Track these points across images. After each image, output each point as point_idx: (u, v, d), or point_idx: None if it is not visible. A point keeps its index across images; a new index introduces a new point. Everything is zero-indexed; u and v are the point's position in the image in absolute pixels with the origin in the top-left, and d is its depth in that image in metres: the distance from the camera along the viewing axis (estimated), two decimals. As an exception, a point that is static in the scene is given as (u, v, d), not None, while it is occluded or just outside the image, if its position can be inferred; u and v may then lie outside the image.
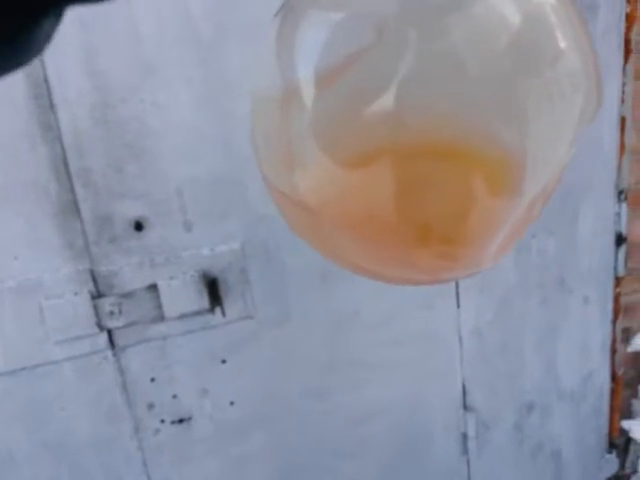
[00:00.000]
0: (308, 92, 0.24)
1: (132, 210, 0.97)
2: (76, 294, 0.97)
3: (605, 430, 1.50)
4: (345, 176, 0.23)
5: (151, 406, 1.08)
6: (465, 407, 1.32)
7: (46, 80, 0.89)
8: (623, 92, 1.20)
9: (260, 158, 0.30)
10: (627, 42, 1.16)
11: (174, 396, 1.09)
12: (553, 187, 0.27)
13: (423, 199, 0.23)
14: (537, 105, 0.22)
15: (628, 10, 1.15)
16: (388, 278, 0.27)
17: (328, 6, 0.24)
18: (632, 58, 1.18)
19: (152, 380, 1.07)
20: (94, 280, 0.98)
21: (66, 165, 0.93)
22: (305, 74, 0.24)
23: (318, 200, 0.24)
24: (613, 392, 1.47)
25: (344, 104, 0.23)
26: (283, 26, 0.25)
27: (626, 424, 1.51)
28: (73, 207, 0.95)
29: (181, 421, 1.10)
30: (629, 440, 1.52)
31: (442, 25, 0.21)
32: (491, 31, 0.21)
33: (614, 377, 1.45)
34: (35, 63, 0.87)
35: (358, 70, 0.22)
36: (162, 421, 1.09)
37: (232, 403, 1.12)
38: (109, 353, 1.03)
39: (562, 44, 0.22)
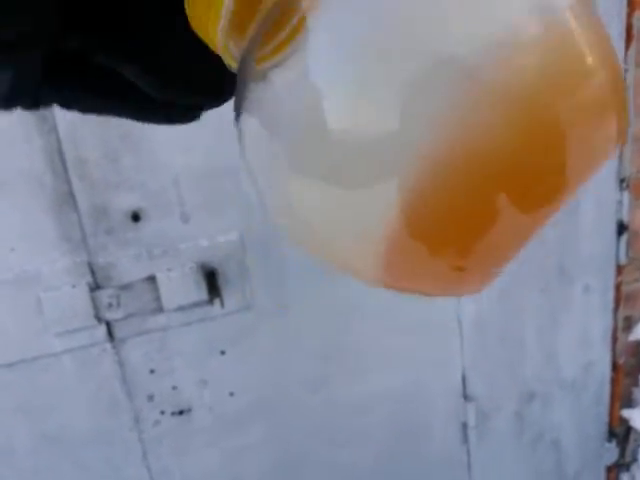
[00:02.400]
0: None
1: (129, 201, 0.96)
2: (74, 286, 0.97)
3: (605, 419, 1.50)
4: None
5: (151, 397, 1.08)
6: (465, 396, 1.32)
7: (40, 70, 0.88)
8: (625, 79, 1.19)
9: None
10: (629, 28, 1.14)
11: (174, 387, 1.09)
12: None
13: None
14: None
15: (630, -5, 1.13)
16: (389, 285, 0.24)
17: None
18: (634, 44, 1.16)
19: (151, 372, 1.06)
20: (92, 272, 0.98)
21: (62, 156, 0.92)
22: None
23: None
24: (614, 381, 1.47)
25: None
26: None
27: (626, 413, 1.51)
28: (69, 199, 0.94)
29: (181, 412, 1.10)
30: (629, 429, 1.52)
31: None
32: None
33: (615, 366, 1.45)
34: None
35: None
36: (162, 412, 1.09)
37: (231, 394, 1.12)
38: (108, 345, 1.02)
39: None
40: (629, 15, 1.14)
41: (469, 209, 0.17)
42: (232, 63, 0.19)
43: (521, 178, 0.16)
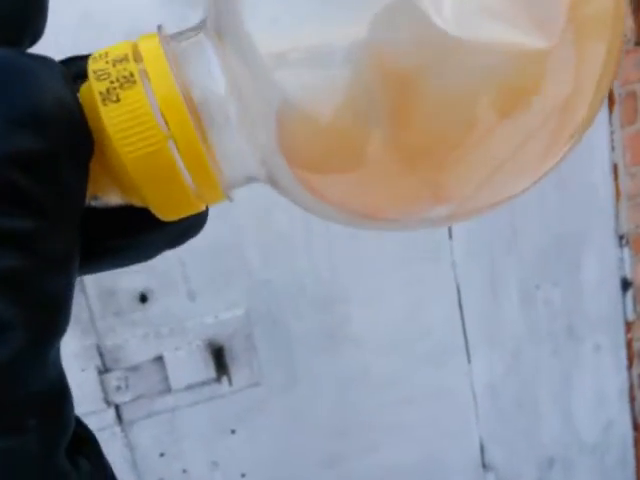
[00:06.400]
0: None
1: (136, 282, 0.98)
2: (83, 370, 0.97)
3: (633, 483, 1.44)
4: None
5: (161, 482, 1.06)
6: (484, 466, 1.28)
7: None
8: (612, 140, 1.23)
9: None
10: (610, 93, 1.20)
11: (184, 470, 1.06)
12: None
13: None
14: None
15: (608, 63, 1.19)
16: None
17: None
18: (616, 107, 1.21)
19: (161, 455, 1.05)
20: (100, 355, 0.98)
21: (71, 243, 0.95)
22: None
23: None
24: (637, 442, 1.42)
25: None
26: None
27: (654, 475, 1.45)
28: (78, 282, 0.96)
29: (192, 496, 1.08)
30: (659, 492, 1.46)
31: None
32: None
33: (636, 426, 1.41)
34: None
35: None
36: (172, 497, 1.07)
37: (243, 475, 1.09)
38: (117, 429, 1.01)
39: None
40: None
41: (446, 117, 0.16)
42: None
43: (499, 82, 0.15)
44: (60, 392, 0.15)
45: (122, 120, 0.15)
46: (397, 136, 0.16)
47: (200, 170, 0.16)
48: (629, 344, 1.35)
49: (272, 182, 0.18)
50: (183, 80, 0.15)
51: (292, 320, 1.07)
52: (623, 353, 1.35)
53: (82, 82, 0.16)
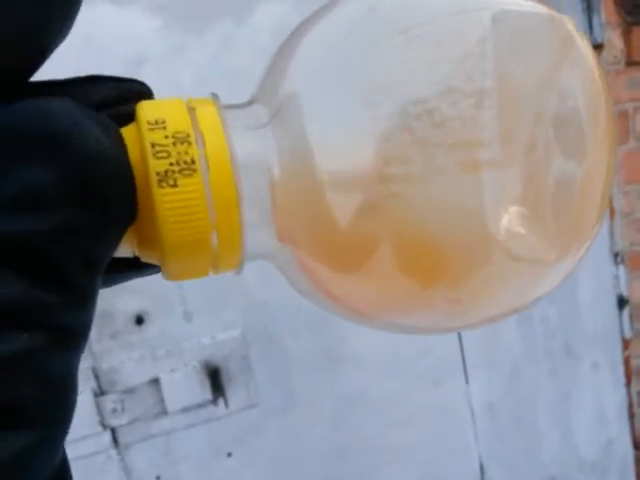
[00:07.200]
0: None
1: (132, 304, 0.98)
2: (79, 393, 0.97)
3: (634, 502, 1.43)
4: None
5: (157, 506, 1.04)
6: (484, 486, 1.27)
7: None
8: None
9: None
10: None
11: (180, 494, 1.05)
12: None
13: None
14: None
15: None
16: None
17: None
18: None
19: (157, 478, 1.04)
20: (96, 377, 0.98)
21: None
22: None
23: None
24: (637, 460, 1.41)
25: None
26: None
27: (656, 494, 1.44)
28: (74, 306, 0.96)
29: (189, 520, 1.06)
30: (661, 512, 1.44)
31: None
32: None
33: (636, 444, 1.40)
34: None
35: None
36: (169, 522, 1.05)
37: (240, 498, 1.08)
38: (113, 452, 1.00)
39: None
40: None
41: (466, 246, 0.17)
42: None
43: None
44: (64, 471, 0.14)
45: (175, 207, 0.15)
46: (397, 255, 0.17)
47: (230, 252, 0.16)
48: (627, 361, 1.35)
49: (282, 268, 0.19)
50: (238, 164, 0.16)
51: (289, 340, 1.07)
52: (621, 371, 1.35)
53: (109, 111, 0.16)
